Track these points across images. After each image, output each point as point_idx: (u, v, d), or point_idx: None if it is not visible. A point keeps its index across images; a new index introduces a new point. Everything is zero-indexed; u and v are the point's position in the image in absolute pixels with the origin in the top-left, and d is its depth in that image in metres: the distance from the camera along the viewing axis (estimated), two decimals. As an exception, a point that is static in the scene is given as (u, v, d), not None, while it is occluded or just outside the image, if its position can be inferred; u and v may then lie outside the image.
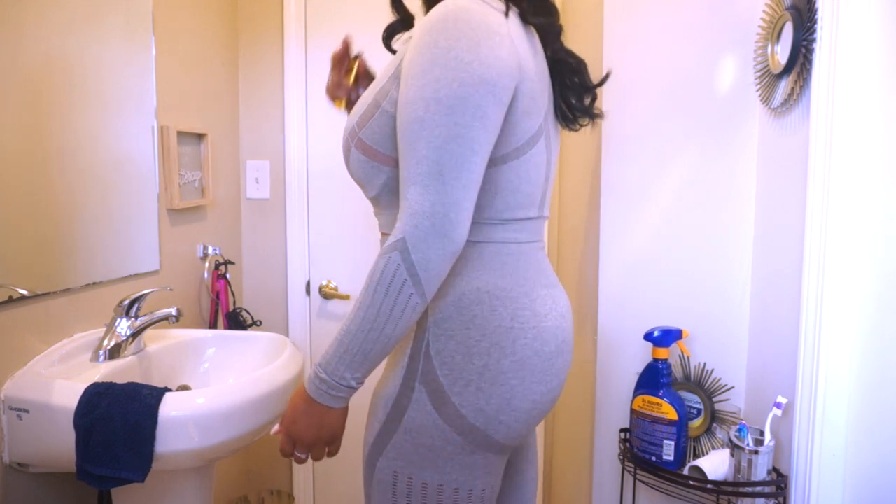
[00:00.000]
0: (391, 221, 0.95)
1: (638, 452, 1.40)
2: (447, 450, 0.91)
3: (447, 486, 0.93)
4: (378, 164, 0.94)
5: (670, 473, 1.33)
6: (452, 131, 0.82)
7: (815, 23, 1.11)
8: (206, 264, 1.78)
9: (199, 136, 1.75)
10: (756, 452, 1.20)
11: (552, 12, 1.00)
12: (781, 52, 1.22)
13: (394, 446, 0.93)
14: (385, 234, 0.99)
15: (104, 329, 1.30)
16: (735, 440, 1.23)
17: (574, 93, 1.03)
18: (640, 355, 1.48)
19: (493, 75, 0.84)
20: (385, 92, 0.91)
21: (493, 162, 0.90)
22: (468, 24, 0.84)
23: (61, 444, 1.07)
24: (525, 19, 0.94)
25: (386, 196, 0.96)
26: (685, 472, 1.33)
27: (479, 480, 0.94)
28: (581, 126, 1.06)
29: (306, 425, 0.92)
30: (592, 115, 1.07)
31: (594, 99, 1.07)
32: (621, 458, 1.45)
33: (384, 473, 0.94)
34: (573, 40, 1.79)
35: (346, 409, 0.95)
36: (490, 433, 0.92)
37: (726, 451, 1.29)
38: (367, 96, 0.95)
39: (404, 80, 0.86)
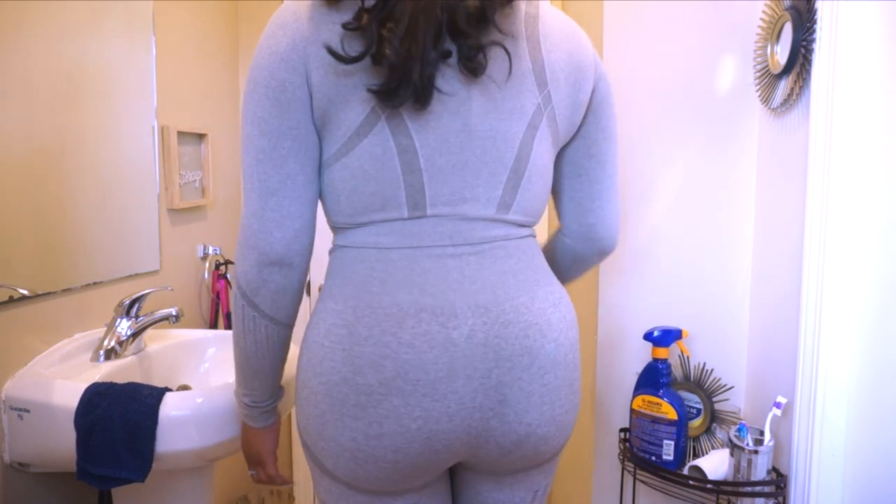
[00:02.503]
0: None
1: (638, 452, 1.40)
2: (310, 463, 0.88)
3: (325, 498, 0.90)
4: None
5: (670, 473, 1.33)
6: (244, 144, 0.81)
7: (815, 23, 1.11)
8: (207, 264, 1.78)
9: (200, 136, 1.75)
10: (756, 452, 1.20)
11: None
12: (781, 53, 1.22)
13: None
14: None
15: (104, 329, 1.30)
16: (735, 440, 1.23)
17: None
18: (640, 355, 1.49)
19: (264, 74, 0.78)
20: None
21: (327, 162, 0.82)
22: (266, 28, 0.81)
23: (62, 444, 1.07)
24: None
25: None
26: (685, 471, 1.33)
27: None
28: (471, 70, 0.78)
29: (241, 443, 0.99)
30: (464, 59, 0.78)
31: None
32: (621, 457, 1.45)
33: None
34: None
35: (265, 431, 0.95)
36: (319, 458, 0.84)
37: (726, 451, 1.30)
38: None
39: None
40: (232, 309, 0.86)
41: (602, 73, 0.92)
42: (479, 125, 0.81)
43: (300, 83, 0.78)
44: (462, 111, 0.80)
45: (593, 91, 0.90)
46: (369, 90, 0.76)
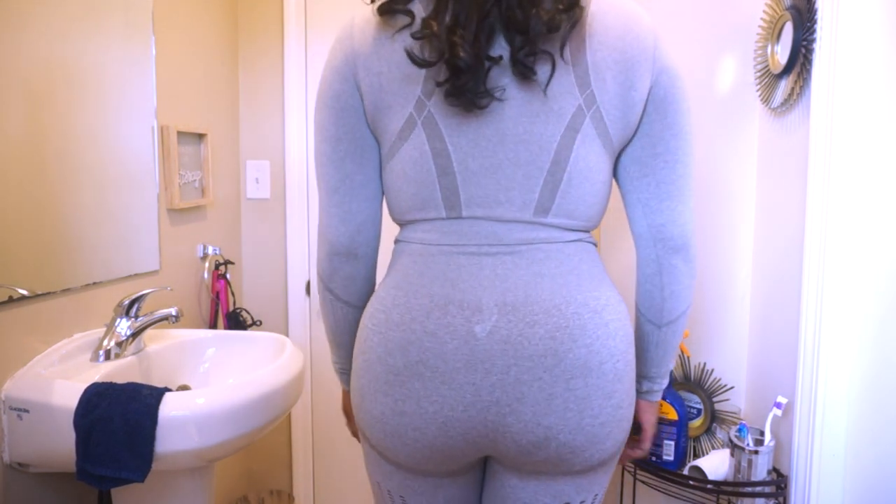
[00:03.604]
0: None
1: (638, 452, 1.39)
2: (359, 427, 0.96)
3: (366, 465, 0.99)
4: None
5: (670, 473, 1.32)
6: (314, 150, 0.94)
7: (815, 23, 1.11)
8: (206, 264, 1.78)
9: (199, 136, 1.75)
10: (756, 452, 1.20)
11: None
12: (781, 52, 1.22)
13: None
14: None
15: (104, 329, 1.30)
16: (735, 440, 1.23)
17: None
18: (640, 355, 1.48)
19: (324, 87, 0.90)
20: None
21: (382, 165, 0.92)
22: (333, 40, 0.91)
23: (61, 444, 1.07)
24: None
25: None
26: (685, 472, 1.33)
27: (380, 476, 0.96)
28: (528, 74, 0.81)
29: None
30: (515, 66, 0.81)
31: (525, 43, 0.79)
32: (621, 458, 1.45)
33: None
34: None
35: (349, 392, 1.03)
36: (360, 425, 0.93)
37: (726, 451, 1.29)
38: None
39: None
40: (316, 291, 1.02)
41: (666, 66, 0.86)
42: (512, 129, 0.82)
43: (346, 92, 0.88)
44: (494, 115, 0.82)
45: (653, 86, 0.86)
46: (438, 84, 0.80)
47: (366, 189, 0.92)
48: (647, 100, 0.86)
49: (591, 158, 0.85)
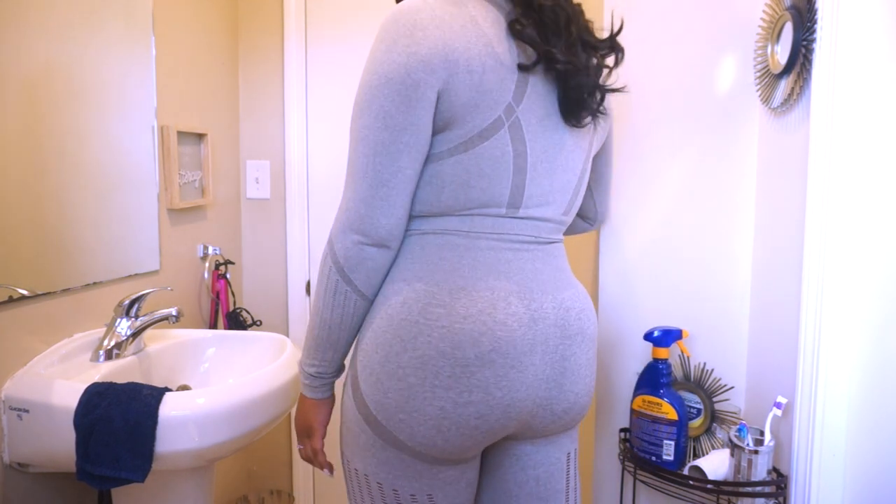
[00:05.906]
0: None
1: (638, 452, 1.40)
2: (362, 438, 0.94)
3: (372, 478, 0.94)
4: None
5: (670, 473, 1.32)
6: (360, 134, 0.88)
7: (815, 23, 1.11)
8: (206, 264, 1.78)
9: (199, 136, 1.75)
10: (756, 452, 1.20)
11: None
12: (781, 52, 1.22)
13: (342, 427, 1.00)
14: None
15: (104, 329, 1.30)
16: (735, 440, 1.23)
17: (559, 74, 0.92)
18: (640, 355, 1.48)
19: (399, 73, 0.85)
20: None
21: (438, 156, 0.90)
22: (396, 24, 0.87)
23: (61, 444, 1.07)
24: None
25: None
26: (685, 472, 1.33)
27: (402, 482, 0.92)
28: (583, 122, 0.96)
29: (295, 415, 1.05)
30: (587, 109, 0.95)
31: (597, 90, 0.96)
32: (621, 457, 1.45)
33: (341, 454, 1.02)
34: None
35: (320, 403, 1.00)
36: (392, 431, 0.90)
37: (726, 451, 1.29)
38: None
39: None
40: (321, 284, 0.93)
41: (612, 105, 1.13)
42: (567, 140, 0.96)
43: (429, 84, 0.85)
44: (560, 127, 0.94)
45: (610, 118, 1.11)
46: (562, 106, 0.93)
47: (411, 184, 0.90)
48: (609, 127, 1.11)
49: (589, 168, 1.04)
